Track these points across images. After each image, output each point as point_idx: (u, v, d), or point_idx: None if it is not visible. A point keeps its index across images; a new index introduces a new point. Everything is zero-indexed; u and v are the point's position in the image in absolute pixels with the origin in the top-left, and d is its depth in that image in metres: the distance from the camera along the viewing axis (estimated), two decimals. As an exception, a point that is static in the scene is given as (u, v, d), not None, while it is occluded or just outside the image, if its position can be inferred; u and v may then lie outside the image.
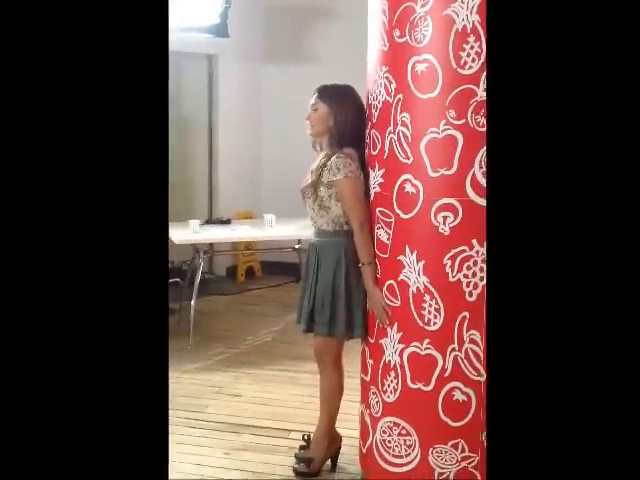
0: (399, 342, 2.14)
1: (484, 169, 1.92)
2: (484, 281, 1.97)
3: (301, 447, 2.66)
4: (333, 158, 2.28)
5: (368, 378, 2.31)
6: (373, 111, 2.19)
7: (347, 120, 2.31)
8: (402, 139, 2.05)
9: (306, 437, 2.65)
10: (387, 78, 2.08)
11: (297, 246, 4.48)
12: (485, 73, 1.85)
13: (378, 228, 2.20)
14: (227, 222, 4.46)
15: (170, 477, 1.67)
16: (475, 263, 1.99)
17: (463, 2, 1.87)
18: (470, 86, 1.91)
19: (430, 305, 2.05)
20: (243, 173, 5.51)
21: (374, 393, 2.27)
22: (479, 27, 1.86)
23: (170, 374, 3.30)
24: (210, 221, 4.58)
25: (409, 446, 2.17)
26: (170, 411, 2.93)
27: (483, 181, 1.93)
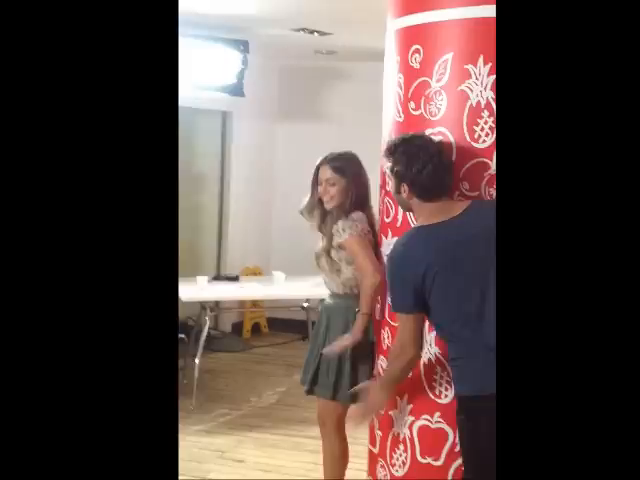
0: (409, 414, 2.09)
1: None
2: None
3: (305, 518, 2.58)
4: (339, 222, 2.36)
5: (376, 450, 2.25)
6: (387, 179, 2.20)
7: (360, 187, 2.43)
8: (415, 209, 2.05)
9: (310, 508, 2.57)
10: (401, 148, 2.10)
11: (305, 305, 4.45)
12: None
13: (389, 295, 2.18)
14: (235, 279, 4.45)
15: None
16: (488, 336, 1.96)
17: (477, 79, 1.91)
18: (484, 159, 1.93)
19: (442, 377, 2.02)
20: (254, 229, 5.53)
21: (382, 466, 2.20)
22: (493, 103, 1.89)
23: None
24: (218, 277, 4.56)
25: (418, 523, 2.09)
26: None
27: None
